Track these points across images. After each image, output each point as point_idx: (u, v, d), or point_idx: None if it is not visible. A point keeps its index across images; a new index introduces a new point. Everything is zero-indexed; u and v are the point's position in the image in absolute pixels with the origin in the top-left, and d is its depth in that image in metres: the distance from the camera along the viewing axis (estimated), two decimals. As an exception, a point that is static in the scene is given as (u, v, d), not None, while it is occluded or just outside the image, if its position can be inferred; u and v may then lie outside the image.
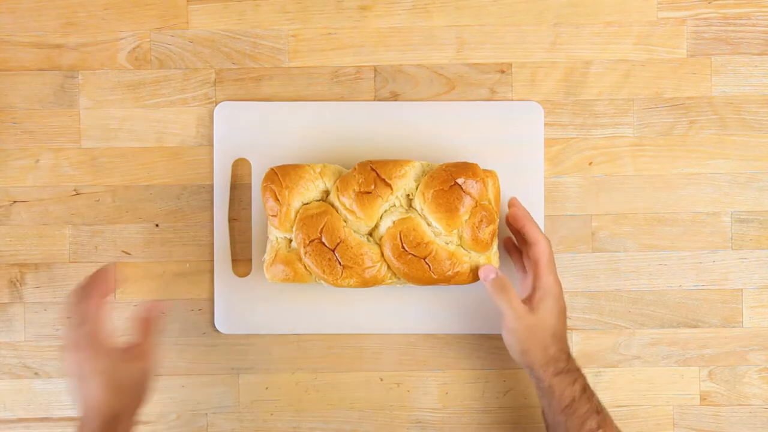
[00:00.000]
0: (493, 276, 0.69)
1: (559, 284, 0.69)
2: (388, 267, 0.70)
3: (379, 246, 0.70)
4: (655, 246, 0.77)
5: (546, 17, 0.77)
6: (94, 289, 0.64)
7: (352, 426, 0.77)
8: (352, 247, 0.69)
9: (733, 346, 0.77)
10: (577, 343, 0.77)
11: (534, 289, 0.69)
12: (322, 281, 0.70)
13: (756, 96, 0.77)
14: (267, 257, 0.72)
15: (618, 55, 0.77)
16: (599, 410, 0.67)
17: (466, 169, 0.70)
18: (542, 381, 0.67)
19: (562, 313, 0.69)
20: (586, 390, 0.67)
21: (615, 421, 0.67)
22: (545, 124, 0.76)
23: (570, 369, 0.68)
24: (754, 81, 0.77)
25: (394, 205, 0.71)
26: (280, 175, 0.71)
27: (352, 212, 0.70)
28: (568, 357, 0.68)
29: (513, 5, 0.77)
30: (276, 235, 0.72)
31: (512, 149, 0.76)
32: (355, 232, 0.71)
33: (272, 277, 0.71)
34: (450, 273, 0.69)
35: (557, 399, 0.66)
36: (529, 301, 0.69)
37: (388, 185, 0.70)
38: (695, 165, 0.77)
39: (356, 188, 0.70)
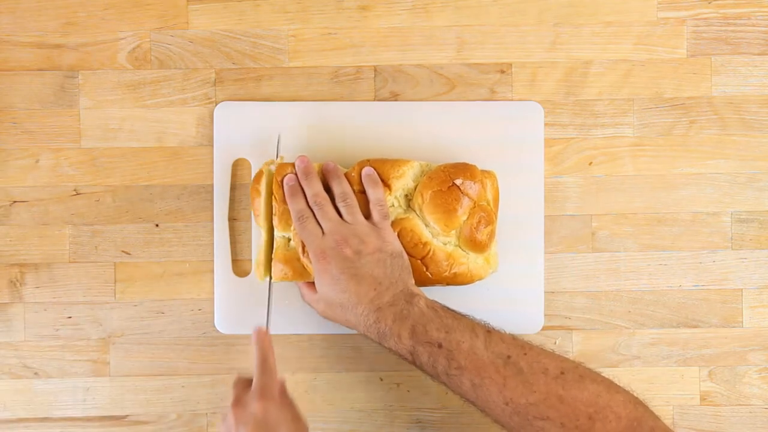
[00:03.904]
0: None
1: (326, 257, 0.65)
2: (388, 267, 0.70)
3: (379, 246, 0.70)
4: (655, 246, 0.77)
5: (546, 17, 0.77)
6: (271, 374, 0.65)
7: (352, 426, 0.77)
8: (351, 247, 0.69)
9: (733, 346, 0.77)
10: (577, 343, 0.77)
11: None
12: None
13: (756, 96, 0.77)
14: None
15: (618, 55, 0.77)
16: (440, 343, 0.61)
17: (465, 170, 0.70)
18: (384, 347, 0.64)
19: (338, 282, 0.65)
20: (417, 335, 0.62)
21: (467, 332, 0.61)
22: (545, 124, 0.76)
23: (386, 328, 0.63)
24: (754, 81, 0.77)
25: (393, 206, 0.71)
26: (279, 175, 0.71)
27: (351, 212, 0.70)
28: (378, 317, 0.63)
29: (513, 5, 0.77)
30: (275, 234, 0.72)
31: (512, 149, 0.76)
32: (354, 232, 0.70)
33: (272, 277, 0.71)
34: (447, 274, 0.69)
35: (403, 358, 0.63)
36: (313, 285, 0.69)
37: (387, 185, 0.70)
38: (695, 165, 0.77)
39: (355, 188, 0.70)
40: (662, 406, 0.77)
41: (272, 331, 0.75)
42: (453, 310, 0.64)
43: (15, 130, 0.76)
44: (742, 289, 0.77)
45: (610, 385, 0.59)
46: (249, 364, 0.76)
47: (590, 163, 0.77)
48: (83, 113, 0.77)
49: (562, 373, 0.59)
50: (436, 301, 0.65)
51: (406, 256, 0.68)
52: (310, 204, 0.69)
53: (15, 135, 0.76)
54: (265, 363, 0.65)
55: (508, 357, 0.60)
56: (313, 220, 0.68)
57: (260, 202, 0.72)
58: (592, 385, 0.58)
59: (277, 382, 0.65)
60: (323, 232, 0.67)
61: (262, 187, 0.72)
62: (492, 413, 0.60)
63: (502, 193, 0.73)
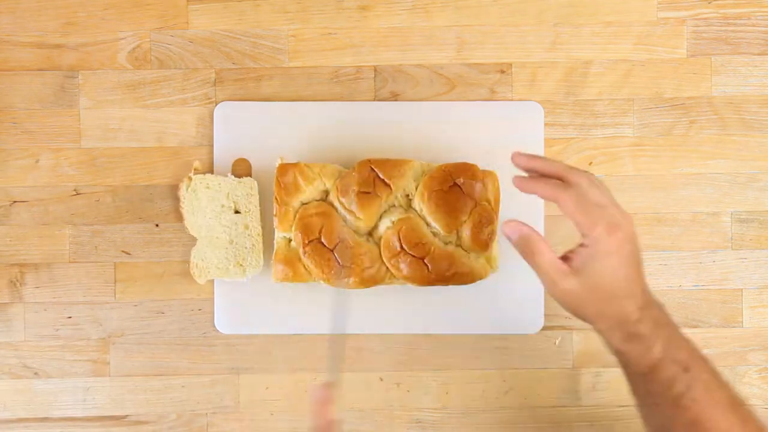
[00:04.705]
0: (516, 236, 0.57)
1: (620, 232, 0.55)
2: (387, 267, 0.70)
3: (378, 246, 0.70)
4: (655, 246, 0.77)
5: (546, 17, 0.77)
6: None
7: (352, 426, 0.77)
8: (351, 247, 0.69)
9: (733, 346, 0.77)
10: (577, 343, 0.77)
11: (579, 245, 0.55)
12: (322, 281, 0.70)
13: (756, 96, 0.77)
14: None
15: (618, 55, 0.77)
16: (688, 367, 0.53)
17: (465, 169, 0.70)
18: (610, 346, 0.57)
19: (624, 266, 0.54)
20: (670, 349, 0.54)
21: (711, 365, 0.55)
22: (545, 124, 0.76)
23: (644, 332, 0.54)
24: (754, 81, 0.77)
25: (394, 205, 0.71)
26: (280, 175, 0.71)
27: (351, 212, 0.70)
28: (640, 317, 0.55)
29: (513, 5, 0.77)
30: (276, 234, 0.72)
31: (512, 149, 0.75)
32: (354, 232, 0.71)
33: (272, 277, 0.71)
34: (448, 273, 0.69)
35: (633, 365, 0.55)
36: (570, 259, 0.56)
37: (388, 185, 0.70)
38: (695, 165, 0.77)
39: (356, 188, 0.70)
40: (662, 406, 0.77)
41: (273, 330, 0.75)
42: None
43: (15, 130, 0.76)
44: (742, 289, 0.77)
45: None
46: (248, 364, 0.76)
47: (590, 163, 0.77)
48: (83, 113, 0.77)
49: None
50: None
51: None
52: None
53: (15, 135, 0.76)
54: None
55: (740, 404, 0.53)
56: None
57: (184, 210, 0.74)
58: None
59: None
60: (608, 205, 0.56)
61: (182, 193, 0.74)
62: None
63: (502, 193, 0.73)
